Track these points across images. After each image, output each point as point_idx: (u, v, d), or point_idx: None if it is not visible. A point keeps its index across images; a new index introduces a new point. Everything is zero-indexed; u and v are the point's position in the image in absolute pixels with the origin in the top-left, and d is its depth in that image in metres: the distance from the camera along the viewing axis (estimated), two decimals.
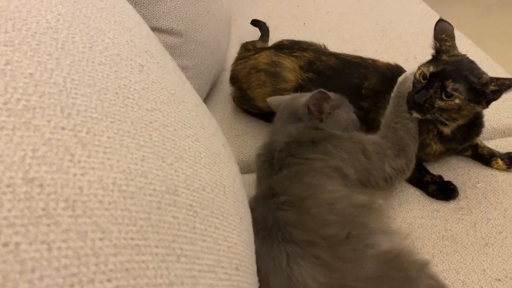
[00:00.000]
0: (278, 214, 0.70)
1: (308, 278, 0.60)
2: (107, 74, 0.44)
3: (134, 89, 0.46)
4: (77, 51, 0.42)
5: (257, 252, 0.63)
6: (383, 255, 0.63)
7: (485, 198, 0.86)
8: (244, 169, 1.05)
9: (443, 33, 0.86)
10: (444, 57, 0.83)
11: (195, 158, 0.49)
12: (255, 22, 1.50)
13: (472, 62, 0.83)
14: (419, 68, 0.84)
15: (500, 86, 0.77)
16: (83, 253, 0.30)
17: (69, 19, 0.45)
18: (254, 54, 1.14)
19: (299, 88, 1.03)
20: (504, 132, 1.04)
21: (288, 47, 1.12)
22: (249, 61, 1.13)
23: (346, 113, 0.91)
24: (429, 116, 0.82)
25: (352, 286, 0.59)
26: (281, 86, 1.05)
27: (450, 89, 0.78)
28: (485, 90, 0.78)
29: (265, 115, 1.10)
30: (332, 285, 0.59)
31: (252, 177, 0.91)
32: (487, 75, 0.80)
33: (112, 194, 0.34)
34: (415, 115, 0.82)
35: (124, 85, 0.45)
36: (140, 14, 1.01)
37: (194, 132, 0.54)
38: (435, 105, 0.80)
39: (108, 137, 0.38)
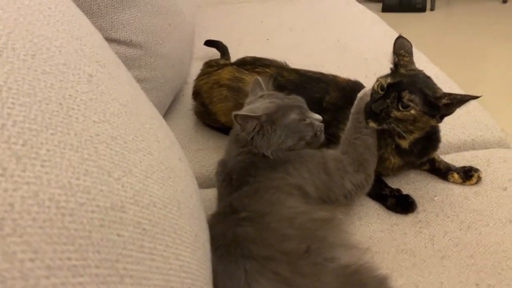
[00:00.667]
0: (238, 231, 0.68)
1: None
2: (51, 84, 0.42)
3: (81, 100, 0.44)
4: (17, 59, 0.40)
5: (215, 270, 0.61)
6: (343, 269, 0.63)
7: (442, 211, 0.87)
8: (205, 184, 1.03)
9: (401, 49, 0.88)
10: (402, 70, 0.85)
11: (146, 173, 0.47)
12: (209, 43, 1.49)
13: (428, 77, 0.85)
14: (377, 80, 0.86)
15: (452, 101, 0.79)
16: (9, 276, 0.27)
17: (10, 25, 0.42)
18: (217, 70, 1.14)
19: None
20: (459, 147, 1.07)
21: (251, 63, 1.13)
22: (212, 76, 1.13)
23: (279, 132, 0.82)
24: (385, 126, 0.83)
25: None
26: (243, 100, 1.04)
27: (406, 100, 0.79)
28: (438, 104, 0.80)
29: (227, 130, 1.09)
30: None
31: (213, 192, 0.89)
32: (441, 89, 0.83)
33: (48, 211, 0.32)
34: (372, 124, 0.83)
35: (70, 95, 0.43)
36: (98, 25, 0.99)
37: (147, 145, 0.51)
38: (391, 115, 0.81)
39: (48, 150, 0.35)
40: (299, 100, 0.87)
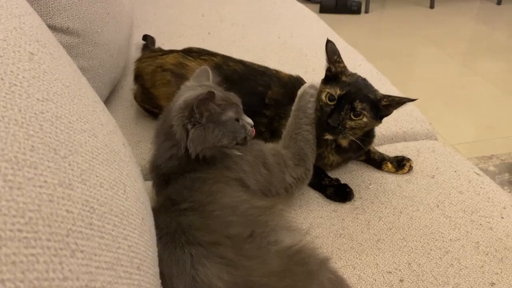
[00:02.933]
0: (182, 220, 0.68)
1: (213, 278, 0.59)
2: None
3: (23, 77, 0.42)
4: None
5: (160, 257, 0.61)
6: (286, 250, 0.64)
7: (377, 198, 0.93)
8: (146, 176, 1.01)
9: (334, 55, 0.90)
10: (344, 78, 0.88)
11: (92, 154, 0.46)
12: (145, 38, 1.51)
13: (365, 79, 0.89)
14: (323, 90, 0.87)
15: (391, 102, 0.85)
16: None
17: None
18: (162, 55, 1.13)
19: None
20: (392, 139, 1.14)
21: (196, 52, 1.13)
22: (156, 60, 1.12)
23: (217, 128, 0.77)
24: (341, 137, 0.87)
25: (257, 282, 0.60)
26: None
27: (359, 109, 0.83)
28: (380, 106, 0.85)
29: None
30: (238, 282, 0.59)
31: None
32: (379, 91, 0.87)
33: None
34: (328, 137, 0.87)
35: (11, 71, 0.41)
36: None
37: (91, 127, 0.50)
38: (347, 126, 0.85)
39: None
40: (237, 99, 0.83)
